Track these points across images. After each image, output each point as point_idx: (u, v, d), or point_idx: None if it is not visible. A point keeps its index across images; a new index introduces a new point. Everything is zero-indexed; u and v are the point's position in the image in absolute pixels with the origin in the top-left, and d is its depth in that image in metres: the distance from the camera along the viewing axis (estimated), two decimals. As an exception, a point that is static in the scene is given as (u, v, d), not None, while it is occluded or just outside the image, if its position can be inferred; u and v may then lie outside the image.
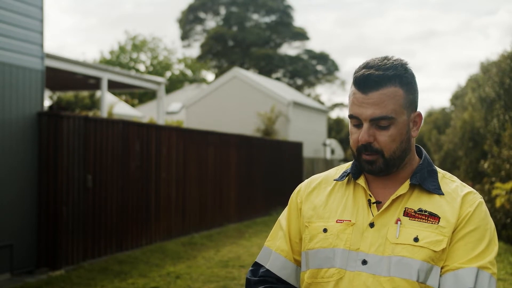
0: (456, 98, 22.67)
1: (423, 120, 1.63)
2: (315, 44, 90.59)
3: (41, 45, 7.48)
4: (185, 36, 43.72)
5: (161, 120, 15.49)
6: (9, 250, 6.81)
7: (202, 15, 43.49)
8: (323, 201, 1.67)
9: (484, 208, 1.56)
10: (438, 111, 26.94)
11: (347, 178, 1.67)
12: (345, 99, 51.24)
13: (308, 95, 41.72)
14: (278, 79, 40.12)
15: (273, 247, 1.72)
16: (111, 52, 40.35)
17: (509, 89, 11.38)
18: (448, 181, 1.62)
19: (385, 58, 1.57)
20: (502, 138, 10.50)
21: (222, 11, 42.90)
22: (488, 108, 13.57)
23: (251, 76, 23.30)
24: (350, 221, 1.58)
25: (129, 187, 8.65)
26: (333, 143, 28.88)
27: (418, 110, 1.61)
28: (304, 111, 23.46)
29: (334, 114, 43.17)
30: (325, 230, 1.60)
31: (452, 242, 1.51)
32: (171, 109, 28.81)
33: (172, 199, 9.93)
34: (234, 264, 8.02)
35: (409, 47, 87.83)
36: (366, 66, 1.56)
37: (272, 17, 42.58)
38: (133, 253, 8.41)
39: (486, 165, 11.01)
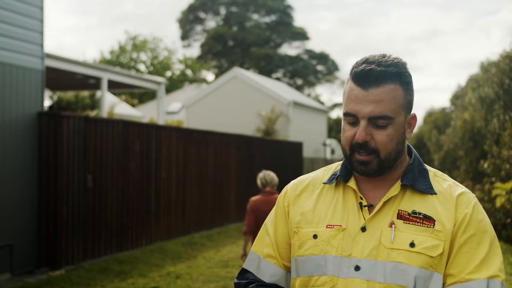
0: (456, 98, 22.67)
1: (417, 121, 1.57)
2: (315, 44, 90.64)
3: (41, 45, 7.48)
4: (185, 36, 43.71)
5: (161, 120, 15.49)
6: (9, 250, 6.81)
7: (202, 15, 43.48)
8: (311, 206, 1.59)
9: (481, 208, 1.50)
10: (438, 111, 26.91)
11: (336, 180, 1.59)
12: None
13: (308, 95, 41.72)
14: (278, 79, 40.08)
15: (261, 254, 1.65)
16: (111, 52, 40.34)
17: (509, 89, 11.38)
18: (440, 179, 1.55)
19: (384, 55, 1.50)
20: (502, 138, 10.50)
21: (222, 11, 42.90)
22: (488, 108, 13.57)
23: (251, 76, 23.28)
24: (341, 226, 1.51)
25: (129, 187, 8.65)
26: (333, 143, 28.87)
27: (413, 112, 1.54)
28: (304, 111, 23.45)
29: (334, 114, 43.13)
30: (315, 236, 1.53)
31: (453, 248, 1.44)
32: (171, 109, 28.81)
33: (172, 199, 9.93)
34: (234, 264, 8.02)
35: (411, 47, 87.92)
36: (366, 61, 1.49)
37: (272, 17, 42.58)
38: (133, 253, 8.41)
39: (486, 165, 11.01)
